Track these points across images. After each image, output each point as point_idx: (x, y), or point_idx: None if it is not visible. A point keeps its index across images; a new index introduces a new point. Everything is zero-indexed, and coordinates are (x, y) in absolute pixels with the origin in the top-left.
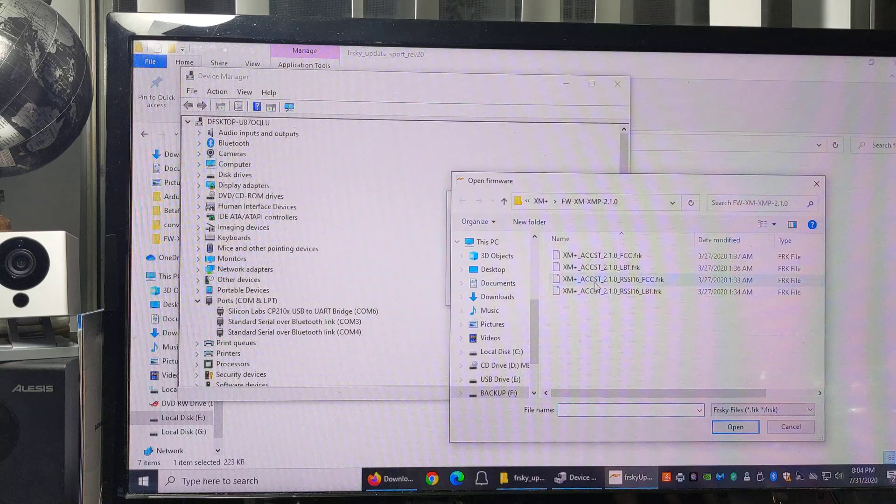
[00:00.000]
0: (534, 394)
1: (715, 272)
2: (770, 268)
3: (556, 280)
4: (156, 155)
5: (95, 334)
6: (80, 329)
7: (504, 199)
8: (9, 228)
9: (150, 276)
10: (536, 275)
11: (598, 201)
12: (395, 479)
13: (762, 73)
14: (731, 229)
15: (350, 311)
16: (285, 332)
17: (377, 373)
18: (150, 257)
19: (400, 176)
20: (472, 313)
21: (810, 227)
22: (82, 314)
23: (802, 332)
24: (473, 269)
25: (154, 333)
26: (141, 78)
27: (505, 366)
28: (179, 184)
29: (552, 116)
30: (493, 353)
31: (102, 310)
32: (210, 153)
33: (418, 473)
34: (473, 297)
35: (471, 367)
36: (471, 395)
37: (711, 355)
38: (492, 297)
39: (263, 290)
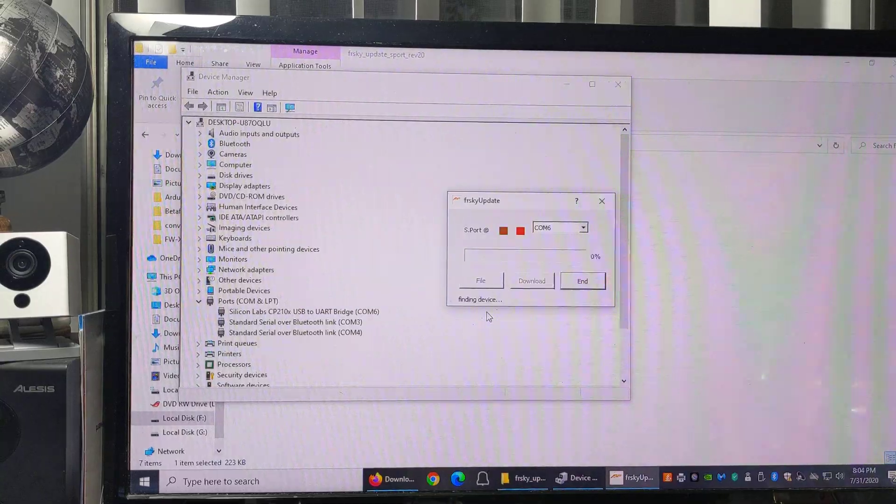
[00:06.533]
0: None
1: (717, 271)
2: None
3: (559, 281)
4: (157, 155)
5: (97, 335)
6: (82, 329)
7: (500, 200)
8: (10, 229)
9: (152, 276)
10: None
11: (601, 201)
12: (396, 480)
13: (763, 73)
14: (734, 228)
15: (351, 312)
16: (286, 333)
17: (378, 373)
18: (151, 258)
19: (400, 175)
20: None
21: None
22: (83, 314)
23: (803, 331)
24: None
25: (155, 334)
26: (141, 78)
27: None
28: (180, 184)
29: (552, 117)
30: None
31: (104, 310)
32: (211, 154)
33: (419, 474)
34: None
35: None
36: (471, 396)
37: (712, 354)
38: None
39: (265, 291)
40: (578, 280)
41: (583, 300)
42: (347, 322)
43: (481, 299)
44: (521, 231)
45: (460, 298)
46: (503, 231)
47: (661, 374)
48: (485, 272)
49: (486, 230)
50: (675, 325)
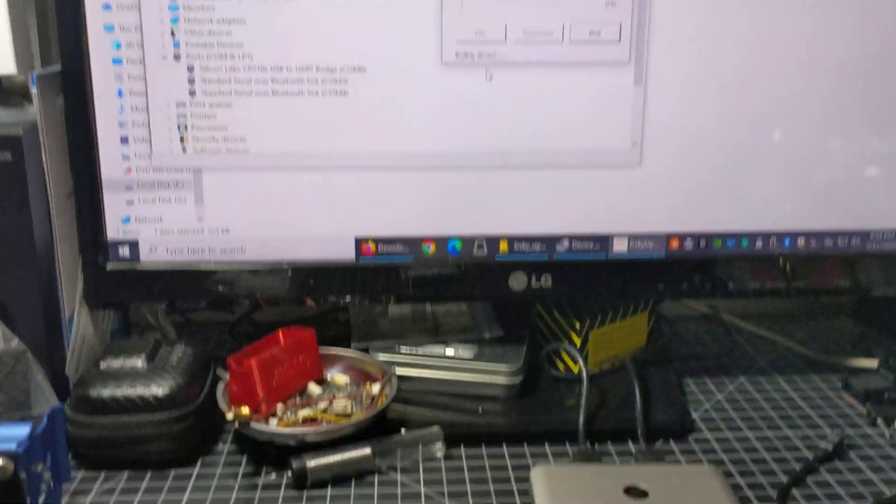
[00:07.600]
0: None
1: (740, 25)
2: None
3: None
4: None
5: (55, 95)
6: (35, 90)
7: None
8: None
9: (109, 28)
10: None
11: None
12: (390, 248)
13: None
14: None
15: (335, 70)
16: (264, 93)
17: (367, 138)
18: (106, 7)
19: None
20: None
21: None
22: (35, 72)
23: (822, 89)
24: None
25: (120, 94)
26: None
27: None
28: None
29: None
30: None
31: (59, 67)
32: None
33: (414, 242)
34: None
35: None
36: (470, 162)
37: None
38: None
39: (237, 45)
40: (590, 32)
41: (594, 55)
42: (332, 81)
43: (480, 55)
44: None
45: (457, 54)
46: None
47: (675, 137)
48: (485, 23)
49: None
50: (693, 83)
